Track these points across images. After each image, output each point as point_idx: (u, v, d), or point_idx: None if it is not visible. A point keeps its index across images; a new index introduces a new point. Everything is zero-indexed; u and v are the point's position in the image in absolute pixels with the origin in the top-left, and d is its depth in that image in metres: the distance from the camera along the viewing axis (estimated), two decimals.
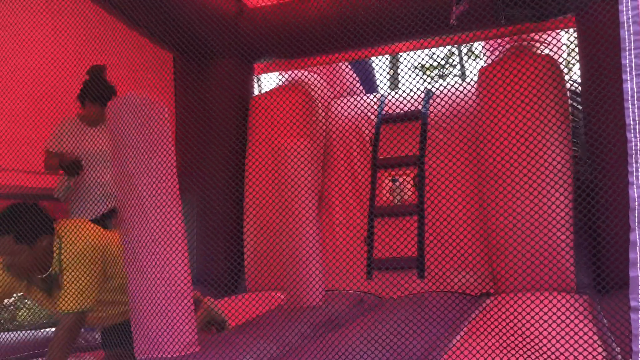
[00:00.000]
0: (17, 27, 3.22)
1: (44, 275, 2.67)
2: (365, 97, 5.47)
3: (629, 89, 1.59)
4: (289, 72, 5.40)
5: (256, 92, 5.49)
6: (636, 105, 1.59)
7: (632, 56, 1.59)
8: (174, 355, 2.52)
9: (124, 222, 2.65)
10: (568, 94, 4.03)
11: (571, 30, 4.42)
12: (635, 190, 1.58)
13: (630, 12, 1.60)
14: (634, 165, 1.59)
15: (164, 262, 2.58)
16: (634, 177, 1.58)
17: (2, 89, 3.10)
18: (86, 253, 2.63)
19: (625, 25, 1.61)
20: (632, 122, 1.59)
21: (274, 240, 4.57)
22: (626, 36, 1.61)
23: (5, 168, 3.43)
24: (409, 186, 4.74)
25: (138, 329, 2.59)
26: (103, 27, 3.58)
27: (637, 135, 1.58)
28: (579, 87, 4.12)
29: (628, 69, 1.60)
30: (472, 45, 6.28)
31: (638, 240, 1.56)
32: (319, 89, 5.20)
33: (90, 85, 3.57)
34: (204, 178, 4.79)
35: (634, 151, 1.58)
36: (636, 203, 1.58)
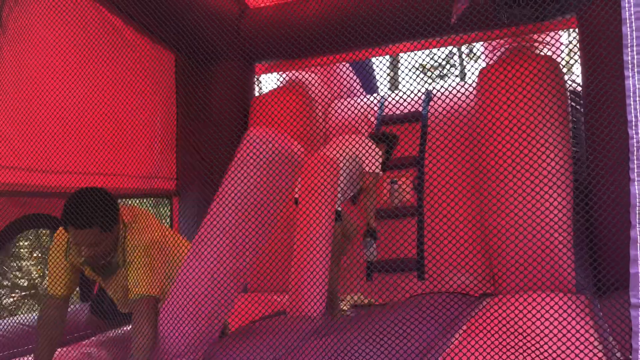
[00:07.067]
0: (26, 29, 3.24)
1: (106, 261, 2.57)
2: (365, 98, 5.46)
3: (631, 85, 1.59)
4: (289, 73, 5.39)
5: (256, 93, 5.49)
6: (638, 102, 1.58)
7: (634, 52, 1.59)
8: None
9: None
10: (568, 94, 4.02)
11: (571, 30, 4.42)
12: (636, 186, 1.57)
13: (632, 8, 1.60)
14: (635, 162, 1.58)
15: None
16: (635, 174, 1.58)
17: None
18: (152, 245, 2.54)
19: (627, 21, 1.61)
20: (633, 119, 1.59)
21: (274, 241, 4.54)
22: (628, 32, 1.60)
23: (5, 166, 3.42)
24: (407, 189, 4.73)
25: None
26: (105, 28, 3.59)
27: (639, 132, 1.58)
28: (579, 88, 4.12)
29: (630, 66, 1.59)
30: (472, 45, 6.27)
31: (638, 237, 1.55)
32: (318, 89, 5.19)
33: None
34: (205, 178, 4.77)
35: (635, 148, 1.57)
36: (637, 200, 1.57)
